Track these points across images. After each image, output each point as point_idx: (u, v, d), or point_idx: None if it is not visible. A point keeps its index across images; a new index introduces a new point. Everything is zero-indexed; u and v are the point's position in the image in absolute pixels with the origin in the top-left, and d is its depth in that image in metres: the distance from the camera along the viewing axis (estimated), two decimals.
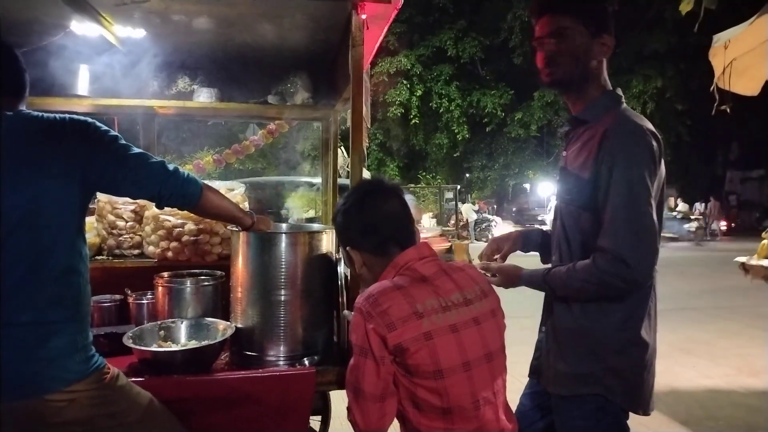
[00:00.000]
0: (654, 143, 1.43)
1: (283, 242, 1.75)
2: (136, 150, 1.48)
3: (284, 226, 2.14)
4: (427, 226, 14.51)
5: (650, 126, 1.47)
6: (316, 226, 2.23)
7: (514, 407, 1.48)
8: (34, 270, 1.30)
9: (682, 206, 19.30)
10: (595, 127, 1.51)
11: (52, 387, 1.30)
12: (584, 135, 1.55)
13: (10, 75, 1.41)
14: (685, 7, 3.59)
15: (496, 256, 1.77)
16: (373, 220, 1.37)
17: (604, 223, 1.41)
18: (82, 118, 1.42)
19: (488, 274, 1.64)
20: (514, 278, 1.61)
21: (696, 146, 19.70)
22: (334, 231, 1.95)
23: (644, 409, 1.50)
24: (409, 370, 1.23)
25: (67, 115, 1.41)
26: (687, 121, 17.47)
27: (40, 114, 1.39)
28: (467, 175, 22.51)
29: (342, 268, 1.85)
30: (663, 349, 5.38)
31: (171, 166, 1.51)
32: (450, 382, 1.21)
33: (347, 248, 1.42)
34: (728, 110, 3.90)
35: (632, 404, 1.49)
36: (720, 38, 3.84)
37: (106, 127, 1.45)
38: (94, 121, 1.43)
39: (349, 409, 1.30)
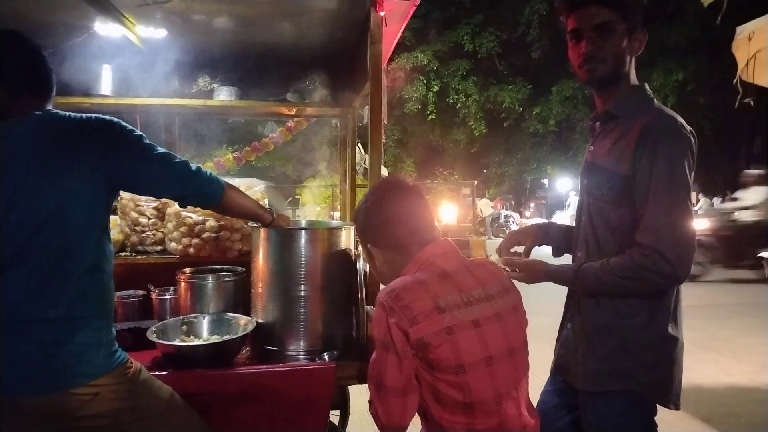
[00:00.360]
0: (692, 140, 1.43)
1: (303, 238, 1.77)
2: (160, 150, 1.50)
3: (303, 222, 2.17)
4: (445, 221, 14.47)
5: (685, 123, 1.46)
6: (335, 223, 2.24)
7: (534, 403, 1.48)
8: (60, 267, 1.33)
9: (703, 201, 18.96)
10: (629, 122, 1.48)
11: (77, 381, 1.33)
12: (616, 130, 1.52)
13: (37, 75, 1.45)
14: (706, 0, 3.53)
15: (514, 249, 1.73)
16: (393, 217, 1.38)
17: (643, 218, 1.39)
18: (107, 117, 1.45)
19: (510, 270, 1.61)
20: (540, 274, 1.57)
21: (718, 140, 19.31)
22: (353, 227, 1.98)
23: (675, 403, 1.49)
24: (431, 364, 1.23)
25: (93, 115, 1.44)
26: (709, 114, 17.15)
27: (67, 114, 1.42)
28: (484, 170, 22.39)
29: (361, 264, 1.87)
30: (685, 345, 5.26)
31: (194, 166, 1.53)
32: (472, 376, 1.22)
33: (368, 246, 1.43)
34: (752, 103, 3.83)
35: (664, 398, 1.48)
36: (744, 30, 3.77)
37: (131, 127, 1.47)
38: (119, 120, 1.46)
39: (370, 402, 1.31)
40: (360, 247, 1.52)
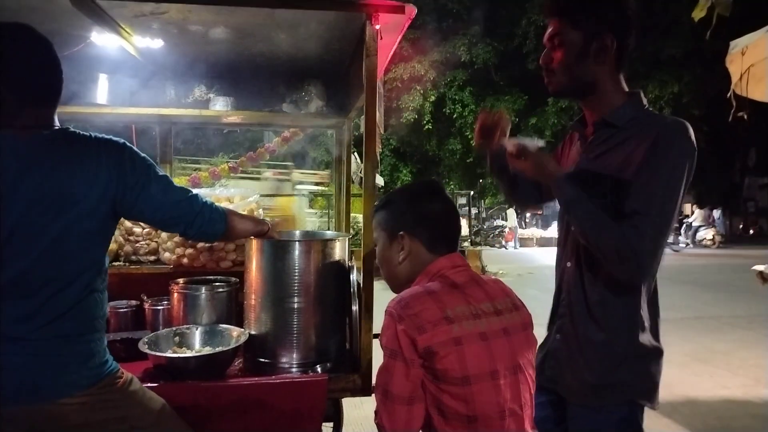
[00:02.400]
0: (695, 151, 1.41)
1: (297, 250, 1.77)
2: (167, 183, 1.48)
3: (297, 233, 2.16)
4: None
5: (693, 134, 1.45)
6: (329, 234, 2.24)
7: None
8: (58, 293, 1.34)
9: (698, 213, 19.06)
10: (631, 131, 1.45)
11: (67, 392, 1.33)
12: (615, 138, 1.48)
13: (46, 81, 1.40)
14: (698, 14, 3.56)
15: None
16: (436, 212, 1.40)
17: (634, 205, 1.36)
18: (119, 141, 1.43)
19: (516, 153, 1.52)
20: (547, 171, 1.48)
21: (713, 152, 19.43)
22: (347, 239, 1.98)
23: (655, 403, 1.53)
24: (437, 375, 1.23)
25: (103, 137, 1.42)
26: (704, 127, 17.26)
27: (78, 132, 1.40)
28: (480, 180, 22.44)
29: (354, 276, 1.87)
30: (680, 358, 5.29)
31: (198, 205, 1.52)
32: (477, 389, 1.21)
33: (401, 233, 1.39)
34: (745, 117, 3.86)
35: (652, 402, 1.51)
36: (737, 44, 3.81)
37: (142, 154, 1.46)
38: (130, 146, 1.44)
39: (376, 412, 1.30)
40: (378, 236, 1.45)
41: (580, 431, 1.54)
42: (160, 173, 1.49)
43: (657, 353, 1.50)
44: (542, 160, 1.49)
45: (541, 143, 1.52)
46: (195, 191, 1.58)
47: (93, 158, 1.37)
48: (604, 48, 1.43)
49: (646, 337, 1.48)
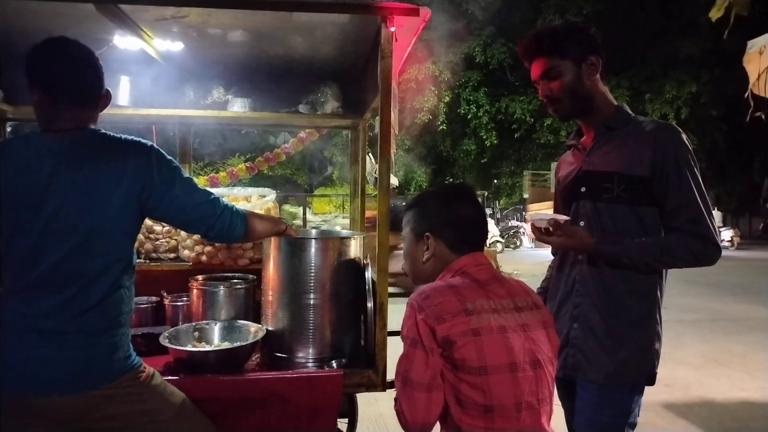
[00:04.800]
0: None
1: (313, 247, 1.81)
2: (191, 186, 1.52)
3: (314, 231, 2.20)
4: None
5: None
6: (345, 232, 2.28)
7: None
8: (86, 289, 1.39)
9: (717, 214, 18.80)
10: (627, 132, 1.66)
11: (92, 384, 1.38)
12: (615, 140, 1.68)
13: (82, 84, 1.46)
14: (715, 14, 3.54)
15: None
16: (463, 216, 1.44)
17: (682, 208, 1.56)
18: (146, 142, 1.48)
19: (551, 229, 1.63)
20: (585, 243, 1.62)
21: (732, 153, 19.15)
22: (362, 237, 2.01)
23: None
24: (455, 364, 1.27)
25: (132, 138, 1.47)
26: (723, 126, 17.01)
27: (108, 134, 1.46)
28: (495, 181, 22.35)
29: (369, 274, 1.90)
30: (697, 360, 5.24)
31: (220, 208, 1.55)
32: (494, 379, 1.24)
33: (426, 234, 1.44)
34: (763, 117, 3.82)
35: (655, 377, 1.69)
36: (755, 44, 3.77)
37: (168, 157, 1.50)
38: (158, 148, 1.48)
39: (396, 399, 1.34)
40: (406, 233, 1.51)
41: (604, 404, 1.63)
42: (185, 175, 1.53)
43: (660, 335, 1.68)
44: (576, 232, 1.63)
45: (566, 218, 1.65)
46: (214, 192, 1.63)
47: (121, 158, 1.43)
48: (594, 66, 1.68)
49: (659, 320, 1.65)
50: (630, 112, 1.73)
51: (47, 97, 1.42)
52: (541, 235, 1.67)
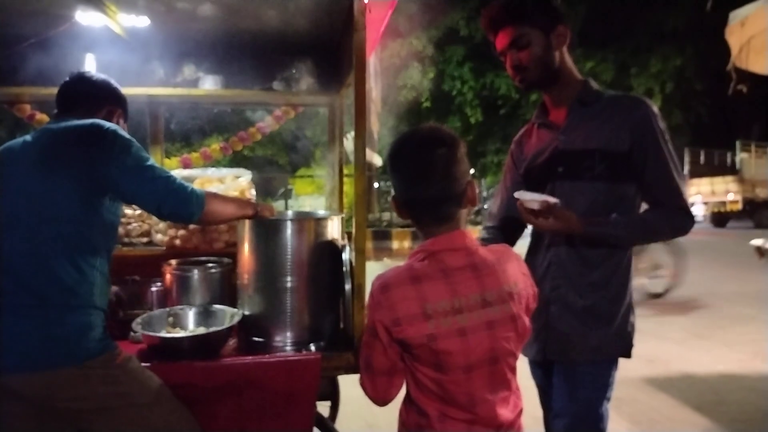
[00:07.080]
0: None
1: (289, 229, 1.76)
2: (145, 163, 1.53)
3: (289, 212, 2.15)
4: None
5: None
6: (320, 213, 2.23)
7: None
8: (50, 264, 1.43)
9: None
10: (601, 108, 1.66)
11: (66, 362, 1.40)
12: (588, 117, 1.66)
13: (72, 96, 1.66)
14: None
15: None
16: (406, 172, 1.28)
17: (660, 180, 1.60)
18: (102, 123, 1.53)
19: (541, 209, 1.54)
20: (575, 224, 1.56)
21: (716, 127, 19.29)
22: (339, 217, 1.96)
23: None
24: (413, 357, 1.26)
25: (90, 121, 1.54)
26: (707, 101, 17.10)
27: (70, 122, 1.54)
28: (481, 159, 22.34)
29: (347, 255, 1.86)
30: (677, 335, 5.33)
31: (174, 185, 1.55)
32: (448, 379, 1.23)
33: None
34: (744, 90, 3.82)
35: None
36: (737, 15, 3.75)
37: (125, 136, 1.54)
38: (115, 128, 1.53)
39: (360, 377, 1.39)
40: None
41: (584, 380, 1.65)
42: (142, 153, 1.55)
43: (634, 308, 1.72)
44: (568, 216, 1.57)
45: (557, 201, 1.56)
46: (186, 172, 1.63)
47: (76, 137, 1.51)
48: (562, 36, 1.67)
49: (632, 295, 1.70)
50: (596, 86, 1.72)
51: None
52: (529, 215, 1.58)
